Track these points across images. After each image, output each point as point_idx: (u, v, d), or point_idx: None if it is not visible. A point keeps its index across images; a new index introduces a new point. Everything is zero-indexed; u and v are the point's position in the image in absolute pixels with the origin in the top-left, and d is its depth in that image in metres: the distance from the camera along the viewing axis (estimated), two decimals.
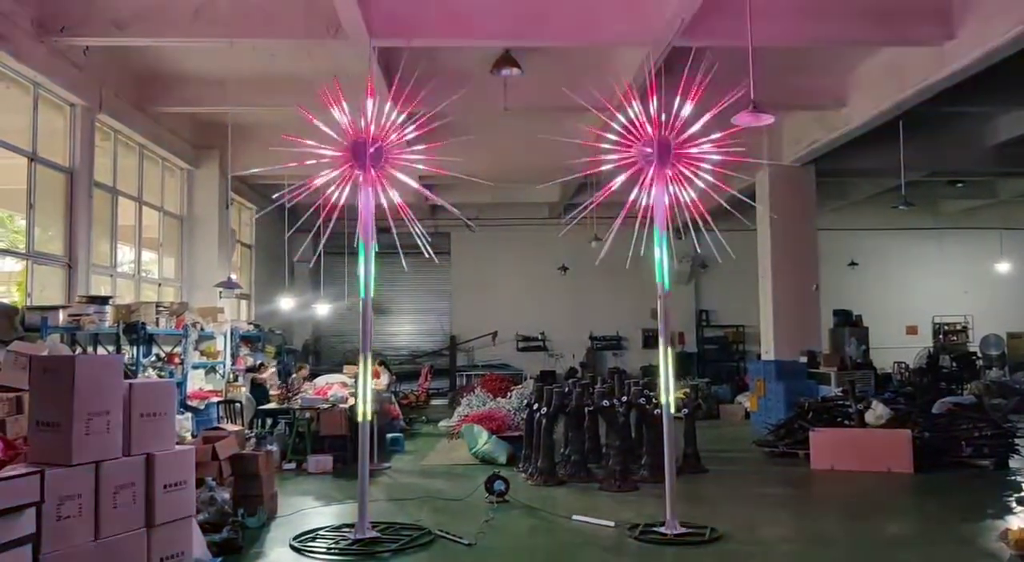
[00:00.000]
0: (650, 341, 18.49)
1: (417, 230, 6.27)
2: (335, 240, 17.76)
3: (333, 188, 5.95)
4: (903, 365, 17.87)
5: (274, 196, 6.73)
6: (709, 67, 5.42)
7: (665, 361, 5.80)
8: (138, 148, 10.40)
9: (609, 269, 17.99)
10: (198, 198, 11.96)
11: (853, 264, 18.14)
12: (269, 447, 7.27)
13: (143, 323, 8.85)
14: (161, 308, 9.64)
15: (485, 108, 10.27)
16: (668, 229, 5.70)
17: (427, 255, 6.52)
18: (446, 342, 18.77)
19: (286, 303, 14.31)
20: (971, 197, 17.42)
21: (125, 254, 10.35)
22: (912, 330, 19.28)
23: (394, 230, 6.34)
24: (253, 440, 7.53)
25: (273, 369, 14.09)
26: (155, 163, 11.03)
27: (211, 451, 5.94)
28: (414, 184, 6.44)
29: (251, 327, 13.60)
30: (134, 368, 8.76)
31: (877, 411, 9.13)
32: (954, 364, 17.70)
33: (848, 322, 12.74)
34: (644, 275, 17.77)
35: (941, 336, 19.54)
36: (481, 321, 18.31)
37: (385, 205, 6.07)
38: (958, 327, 19.47)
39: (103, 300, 8.18)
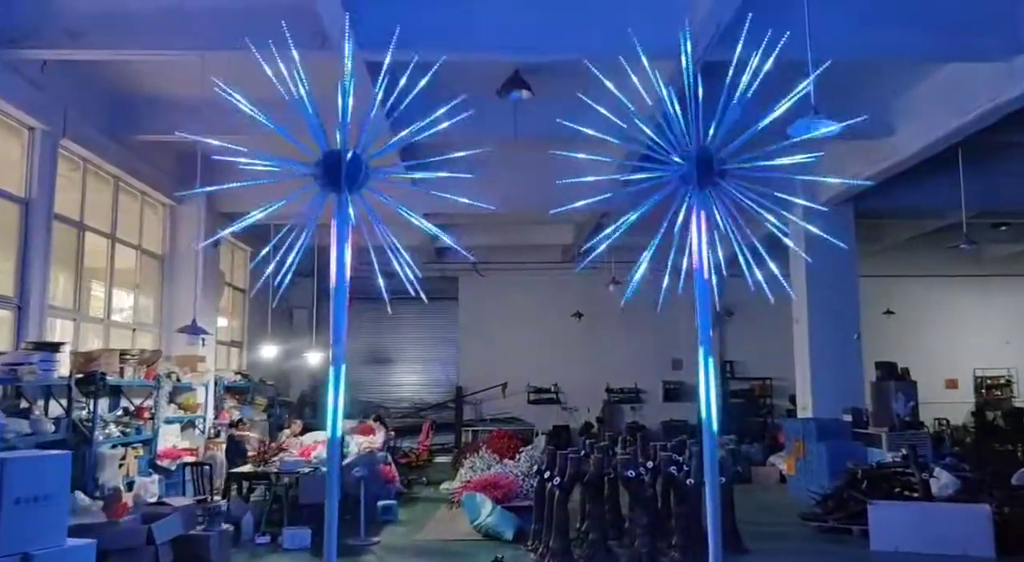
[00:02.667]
0: (671, 394, 17.28)
1: (407, 271, 5.20)
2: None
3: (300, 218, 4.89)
4: (944, 422, 16.57)
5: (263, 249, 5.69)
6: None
7: (707, 381, 4.61)
8: (112, 180, 9.48)
9: (627, 316, 17.10)
10: (182, 236, 11.00)
11: (889, 312, 16.93)
12: (224, 526, 6.12)
13: (103, 373, 7.80)
14: (128, 356, 8.60)
15: (492, 136, 9.32)
16: (708, 267, 4.61)
17: (419, 297, 5.40)
18: (452, 394, 17.60)
19: (268, 351, 13.23)
20: (1016, 241, 16.25)
21: (94, 297, 9.34)
22: (952, 383, 18.00)
23: (401, 268, 5.25)
24: (204, 517, 6.35)
25: (264, 421, 13.01)
26: (133, 197, 10.10)
27: (146, 533, 4.83)
28: (417, 220, 5.34)
29: (238, 377, 12.52)
30: (90, 425, 7.69)
31: (941, 480, 7.90)
32: (1001, 421, 16.40)
33: (893, 375, 11.57)
34: (665, 322, 16.71)
35: (983, 390, 18.23)
36: (490, 371, 17.16)
37: (366, 238, 4.99)
38: (1001, 381, 18.17)
39: (53, 347, 7.15)
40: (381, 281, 5.21)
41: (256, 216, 4.91)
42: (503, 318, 17.47)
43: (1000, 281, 17.80)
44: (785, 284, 6.47)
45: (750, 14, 4.90)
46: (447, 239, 6.33)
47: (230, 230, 5.04)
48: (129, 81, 8.57)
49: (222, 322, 13.36)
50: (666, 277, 5.35)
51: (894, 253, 16.28)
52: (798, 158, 4.35)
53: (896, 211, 12.77)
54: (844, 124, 4.61)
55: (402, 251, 5.11)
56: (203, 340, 11.03)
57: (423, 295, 5.32)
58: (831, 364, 11.43)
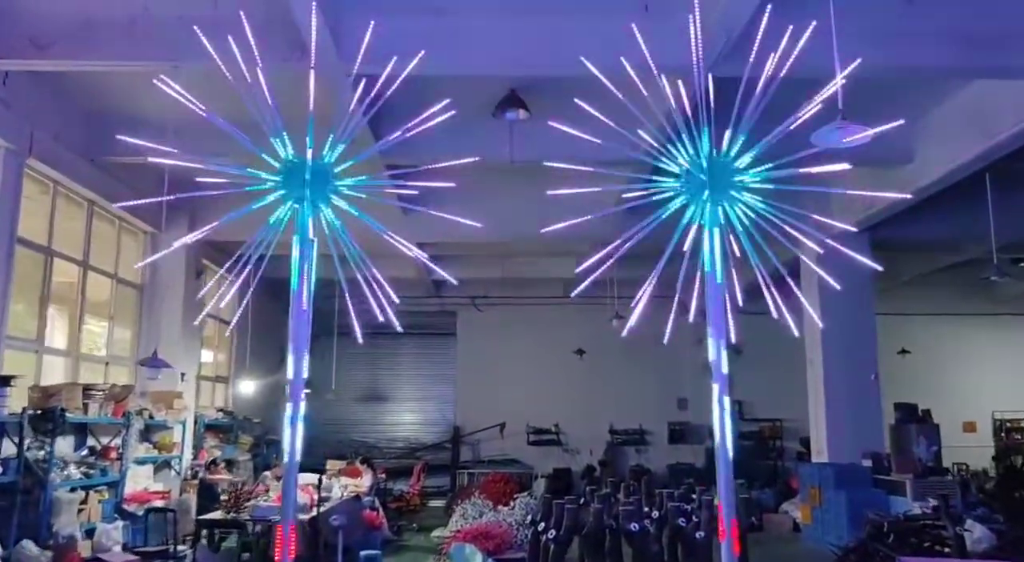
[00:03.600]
0: (677, 436, 16.57)
1: (382, 299, 4.65)
2: (330, 319, 16.17)
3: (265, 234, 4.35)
4: (964, 467, 15.79)
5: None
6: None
7: (722, 424, 4.00)
8: (87, 204, 8.98)
9: (630, 353, 16.44)
10: (163, 265, 10.47)
11: (904, 352, 16.27)
12: None
13: (62, 409, 7.21)
14: (94, 391, 8.01)
15: (487, 159, 8.84)
16: (723, 292, 4.04)
17: (417, 332, 4.84)
18: (449, 433, 16.90)
19: (248, 386, 12.63)
20: None
21: (59, 328, 8.79)
22: (970, 427, 17.26)
23: (373, 295, 4.71)
24: None
25: (248, 460, 12.36)
26: (110, 223, 9.60)
27: None
28: (393, 238, 4.80)
29: (221, 414, 11.89)
30: (46, 466, 7.07)
31: (975, 534, 7.23)
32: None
33: (914, 418, 10.92)
34: (670, 360, 16.05)
35: (1003, 434, 17.48)
36: (488, 410, 16.48)
37: (334, 255, 4.43)
38: (1022, 424, 17.43)
39: (3, 380, 6.57)
40: (352, 312, 4.66)
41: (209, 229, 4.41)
42: (503, 355, 16.86)
43: (1018, 320, 17.16)
44: (813, 313, 5.90)
45: (763, 23, 4.40)
46: (430, 263, 5.82)
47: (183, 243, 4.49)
48: (106, 99, 8.11)
49: (207, 356, 12.78)
50: (674, 305, 4.79)
51: (908, 289, 15.69)
52: (828, 168, 3.80)
53: (911, 244, 12.21)
54: (876, 130, 4.06)
55: (377, 276, 4.57)
56: (182, 375, 10.46)
57: (397, 325, 4.79)
58: (847, 406, 10.79)
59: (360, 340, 4.66)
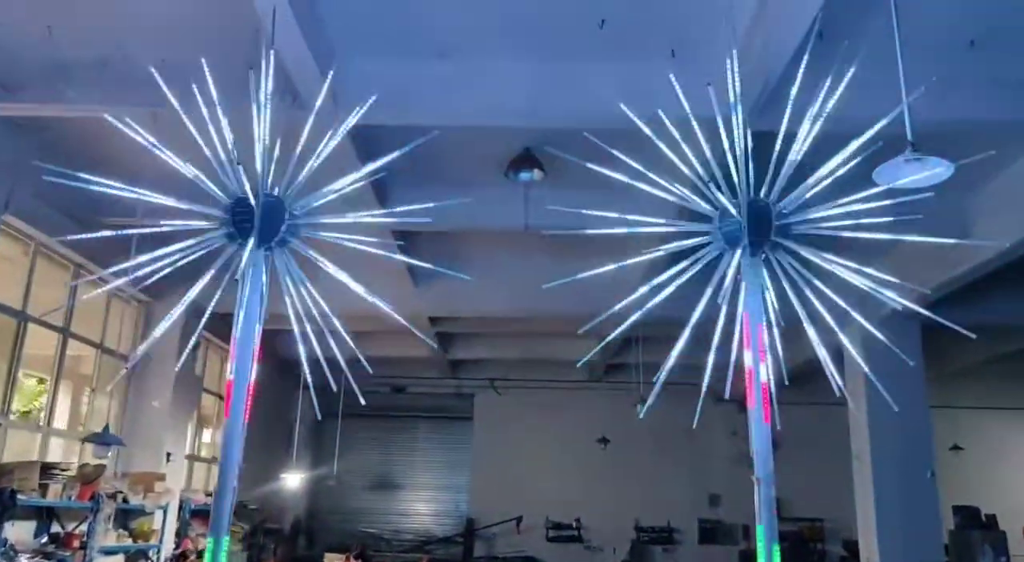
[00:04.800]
0: (708, 535, 15.27)
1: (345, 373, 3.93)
2: (347, 399, 15.45)
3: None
4: None
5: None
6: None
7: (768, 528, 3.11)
8: (72, 268, 8.42)
9: (658, 443, 15.36)
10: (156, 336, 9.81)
11: (957, 448, 14.99)
12: None
13: (13, 491, 6.43)
14: (56, 471, 7.24)
15: (500, 225, 8.20)
16: (766, 365, 3.23)
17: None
18: (462, 526, 15.75)
19: (245, 470, 11.70)
20: None
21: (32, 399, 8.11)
22: None
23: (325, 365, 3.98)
24: None
25: (241, 552, 11.41)
26: (98, 287, 9.01)
27: None
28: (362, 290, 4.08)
29: (210, 499, 11.00)
30: None
31: None
32: None
33: (976, 523, 9.73)
34: (701, 452, 14.94)
35: None
36: (505, 501, 15.36)
37: (295, 311, 3.71)
38: None
39: None
40: (312, 391, 3.92)
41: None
42: (522, 441, 15.87)
43: None
44: (852, 403, 5.05)
45: (802, 69, 3.72)
46: (419, 332, 5.08)
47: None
48: (94, 152, 7.63)
49: (205, 436, 12.02)
50: (702, 390, 4.00)
51: (958, 380, 14.55)
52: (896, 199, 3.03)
53: (966, 328, 11.20)
54: (959, 162, 3.30)
55: (341, 333, 3.84)
56: (168, 455, 9.68)
57: (362, 398, 4.04)
58: (900, 507, 9.63)
59: (319, 417, 3.89)
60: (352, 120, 3.81)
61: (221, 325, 11.48)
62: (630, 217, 3.65)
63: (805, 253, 3.21)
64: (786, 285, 3.27)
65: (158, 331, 3.87)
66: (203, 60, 3.98)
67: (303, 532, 15.57)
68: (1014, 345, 12.17)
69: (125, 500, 8.37)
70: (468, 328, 13.67)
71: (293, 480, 12.56)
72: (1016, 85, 5.58)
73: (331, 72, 4.34)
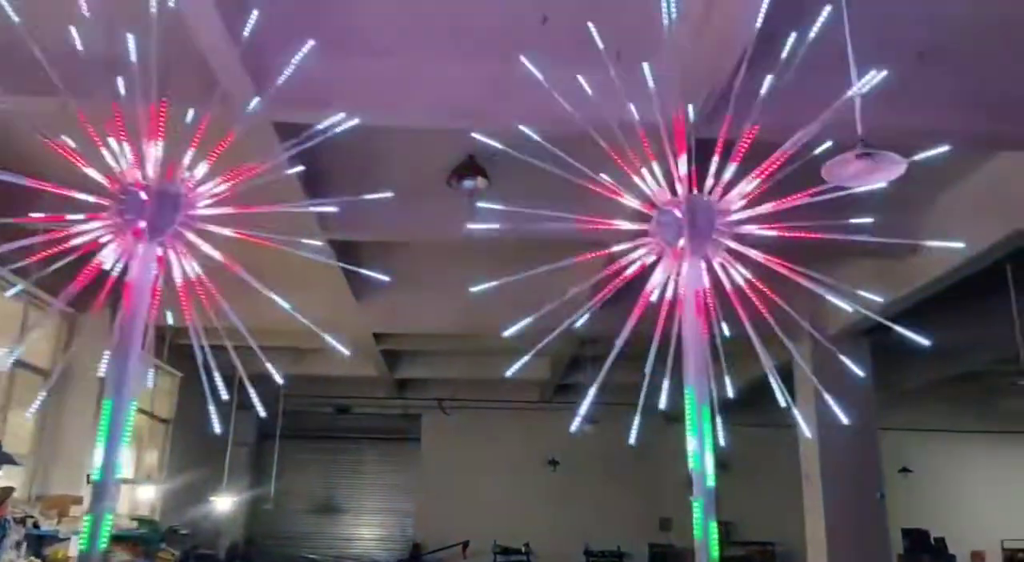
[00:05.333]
0: (659, 559, 15.00)
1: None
2: (284, 419, 14.82)
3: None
4: None
5: None
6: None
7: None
8: None
9: (609, 466, 15.10)
10: (80, 351, 9.28)
11: (905, 471, 15.02)
12: None
13: None
14: None
15: (442, 236, 7.93)
16: (706, 370, 2.98)
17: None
18: (407, 551, 15.26)
19: (178, 492, 11.22)
20: None
21: None
22: (978, 557, 15.77)
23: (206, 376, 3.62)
24: None
25: None
26: (15, 297, 8.48)
27: None
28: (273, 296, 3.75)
29: (137, 524, 10.41)
30: None
31: None
32: None
33: (925, 547, 9.65)
34: (651, 475, 14.69)
35: None
36: (452, 525, 14.92)
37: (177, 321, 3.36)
38: None
39: None
40: (212, 405, 3.56)
41: None
42: (469, 463, 15.49)
43: (1016, 439, 16.00)
44: (803, 424, 4.87)
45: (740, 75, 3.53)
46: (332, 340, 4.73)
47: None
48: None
49: (142, 457, 11.43)
50: (640, 398, 3.74)
51: (907, 402, 14.61)
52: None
53: (913, 350, 11.19)
54: (919, 157, 3.11)
55: (255, 348, 3.51)
56: (88, 477, 9.10)
57: (261, 410, 3.69)
58: (850, 529, 9.51)
59: (217, 429, 3.53)
60: (255, 104, 3.46)
61: (163, 347, 10.88)
62: (568, 216, 3.38)
63: (751, 254, 2.98)
64: (729, 289, 3.04)
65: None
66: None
67: (239, 558, 14.91)
68: (960, 368, 12.24)
69: (36, 526, 7.80)
70: (415, 346, 13.31)
71: (224, 503, 11.99)
72: (965, 99, 5.50)
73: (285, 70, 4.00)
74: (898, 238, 7.84)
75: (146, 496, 11.78)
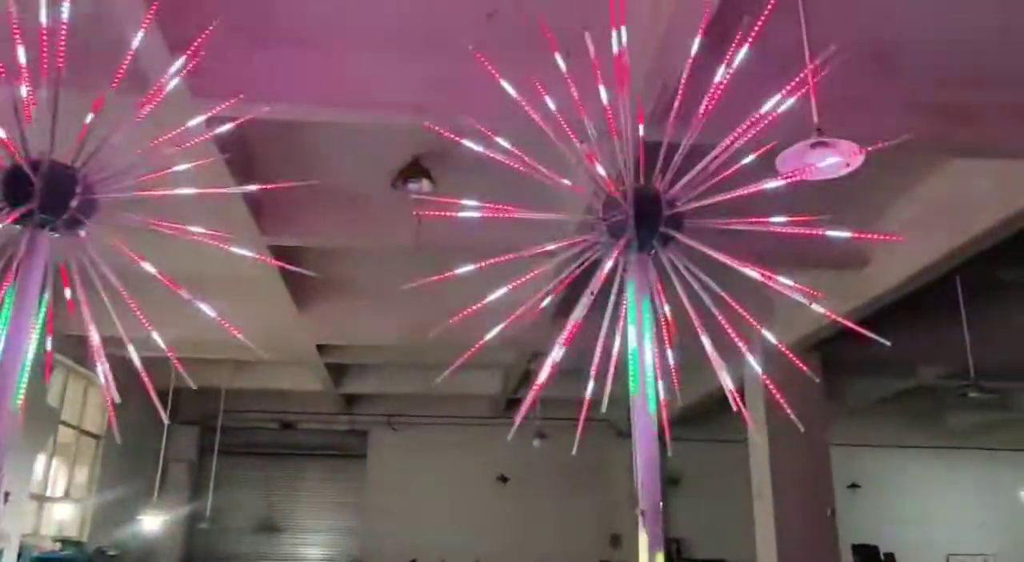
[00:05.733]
0: None
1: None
2: (225, 435, 14.28)
3: None
4: None
5: None
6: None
7: None
8: None
9: (560, 481, 14.81)
10: None
11: (854, 486, 15.03)
12: None
13: None
14: None
15: (389, 243, 7.63)
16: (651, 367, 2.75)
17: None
18: None
19: (107, 511, 10.66)
20: (986, 409, 14.77)
21: None
22: None
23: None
24: None
25: None
26: None
27: None
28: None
29: (58, 545, 9.84)
30: None
31: None
32: None
33: (873, 561, 9.59)
34: (602, 490, 14.47)
35: None
36: (399, 543, 14.45)
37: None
38: None
39: None
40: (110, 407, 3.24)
41: None
42: (418, 480, 15.08)
43: (970, 454, 16.17)
44: (756, 436, 4.65)
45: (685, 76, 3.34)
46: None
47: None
48: None
49: (68, 473, 10.83)
50: (582, 412, 3.50)
51: (856, 419, 14.67)
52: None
53: (863, 366, 11.21)
54: (877, 147, 2.93)
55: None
56: (6, 495, 8.54)
57: (163, 411, 3.38)
58: (801, 545, 9.39)
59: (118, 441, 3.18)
60: (197, 122, 3.17)
61: (81, 347, 10.26)
62: (509, 208, 3.14)
63: (702, 249, 2.76)
64: (680, 290, 2.82)
65: None
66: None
67: None
68: (909, 382, 12.30)
69: None
70: (362, 359, 12.93)
71: (154, 522, 11.43)
72: (918, 103, 5.42)
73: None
74: (850, 249, 7.82)
75: (72, 515, 11.18)
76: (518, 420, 3.58)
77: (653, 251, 2.67)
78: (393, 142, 6.42)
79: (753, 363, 3.41)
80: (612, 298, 2.97)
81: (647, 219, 2.64)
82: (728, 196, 2.66)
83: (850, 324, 3.41)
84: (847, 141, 2.84)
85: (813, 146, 2.80)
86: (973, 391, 8.57)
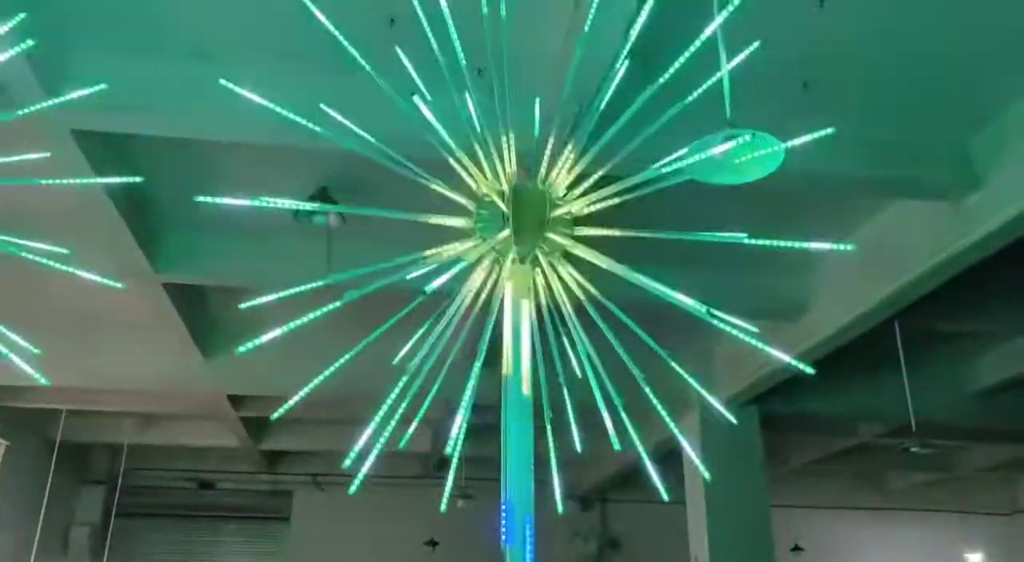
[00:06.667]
0: None
1: None
2: (136, 495, 13.24)
3: None
4: None
5: None
6: None
7: None
8: None
9: (489, 545, 14.09)
10: None
11: (797, 549, 14.57)
12: None
13: None
14: None
15: (297, 282, 7.05)
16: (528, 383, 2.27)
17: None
18: None
19: None
20: (926, 468, 14.54)
21: None
22: None
23: None
24: None
25: None
26: None
27: None
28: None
29: None
30: None
31: None
32: None
33: None
34: (541, 554, 13.83)
35: None
36: None
37: None
38: None
39: None
40: None
41: None
42: (343, 544, 14.14)
43: (913, 515, 15.87)
44: (697, 498, 4.18)
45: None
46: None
47: None
48: None
49: None
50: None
51: (797, 478, 14.31)
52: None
53: (802, 422, 10.87)
54: (802, 139, 2.54)
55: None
56: None
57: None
58: None
59: None
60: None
61: None
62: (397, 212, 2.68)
63: (601, 263, 2.32)
64: (578, 293, 2.35)
65: None
66: None
67: None
68: (847, 442, 12.04)
69: None
70: (284, 413, 12.14)
71: None
72: (849, 140, 5.16)
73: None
74: (786, 300, 7.50)
75: None
76: (448, 483, 3.20)
77: (537, 262, 2.21)
78: (299, 170, 5.94)
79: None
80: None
81: (529, 221, 2.19)
82: (629, 195, 2.24)
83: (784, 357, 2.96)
84: (765, 133, 2.43)
85: (724, 139, 2.40)
86: (915, 445, 8.24)
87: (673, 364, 4.03)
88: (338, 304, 3.47)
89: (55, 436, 11.23)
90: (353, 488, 4.08)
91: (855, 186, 5.57)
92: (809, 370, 2.66)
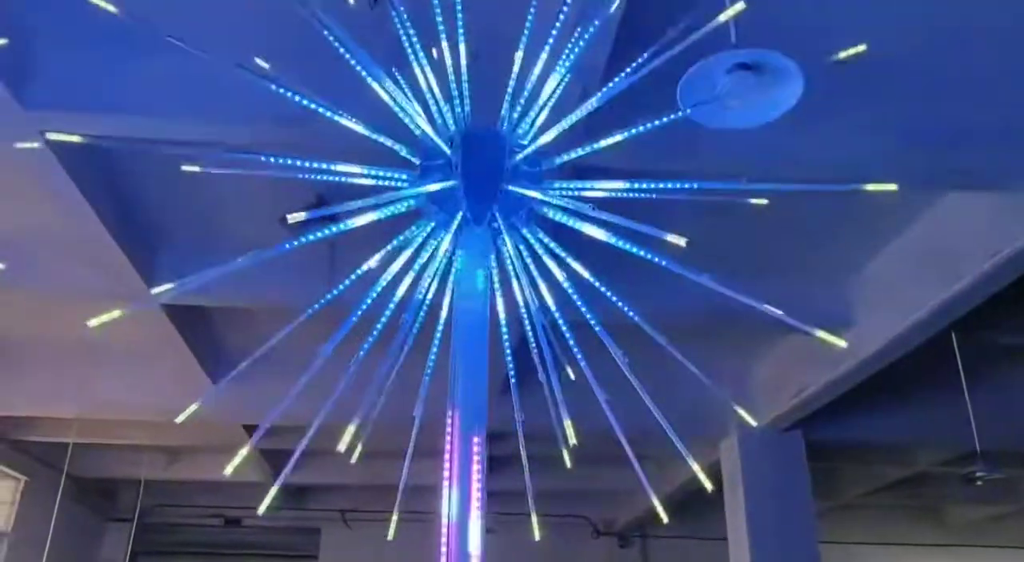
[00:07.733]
0: None
1: None
2: (161, 533, 12.93)
3: None
4: None
5: None
6: None
7: None
8: None
9: None
10: None
11: None
12: None
13: None
14: None
15: (300, 302, 6.67)
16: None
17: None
18: None
19: None
20: (990, 501, 13.50)
21: None
22: None
23: None
24: None
25: None
26: None
27: None
28: None
29: None
30: None
31: None
32: None
33: None
34: None
35: None
36: None
37: None
38: None
39: None
40: None
41: None
42: None
43: (973, 553, 14.77)
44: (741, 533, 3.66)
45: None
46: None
47: None
48: None
49: None
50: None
51: (849, 512, 13.45)
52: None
53: (853, 448, 10.11)
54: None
55: None
56: None
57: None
58: None
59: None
60: None
61: (5, 448, 8.98)
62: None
63: (596, 234, 1.84)
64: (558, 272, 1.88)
65: None
66: None
67: None
68: (903, 472, 11.22)
69: None
70: (308, 444, 11.72)
71: None
72: (899, 127, 4.63)
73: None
74: (828, 315, 6.88)
75: None
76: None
77: (495, 224, 1.75)
78: (293, 181, 5.58)
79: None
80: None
81: (483, 175, 1.73)
82: (605, 142, 1.76)
83: None
84: (776, 54, 1.90)
85: (729, 71, 1.90)
86: (981, 472, 7.48)
87: (705, 380, 3.58)
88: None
89: (77, 472, 10.99)
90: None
91: (905, 177, 5.01)
92: (841, 343, 2.12)
